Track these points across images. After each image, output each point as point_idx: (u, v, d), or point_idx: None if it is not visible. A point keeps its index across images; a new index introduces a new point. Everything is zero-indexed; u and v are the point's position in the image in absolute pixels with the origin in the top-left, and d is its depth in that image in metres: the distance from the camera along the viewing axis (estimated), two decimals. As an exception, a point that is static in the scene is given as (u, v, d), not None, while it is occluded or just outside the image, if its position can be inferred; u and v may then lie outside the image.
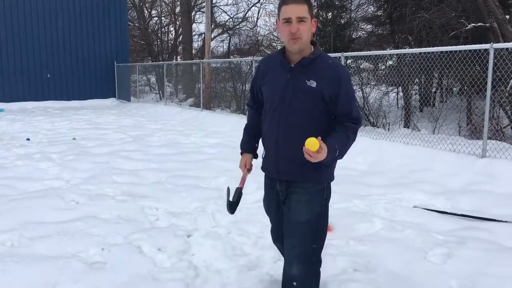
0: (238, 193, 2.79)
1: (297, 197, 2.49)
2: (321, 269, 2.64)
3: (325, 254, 3.59)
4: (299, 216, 2.48)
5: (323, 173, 2.47)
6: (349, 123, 2.40)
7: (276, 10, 3.00)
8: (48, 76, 18.53)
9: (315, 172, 2.43)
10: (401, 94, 12.52)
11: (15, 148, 8.55)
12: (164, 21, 29.67)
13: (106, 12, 19.89)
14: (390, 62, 12.55)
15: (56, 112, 16.06)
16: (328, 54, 10.29)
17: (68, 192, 5.47)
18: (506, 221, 4.43)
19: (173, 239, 3.98)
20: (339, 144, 2.31)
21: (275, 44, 22.05)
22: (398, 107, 12.60)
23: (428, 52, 8.80)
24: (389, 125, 10.89)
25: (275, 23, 2.82)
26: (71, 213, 4.69)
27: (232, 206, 2.80)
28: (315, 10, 15.28)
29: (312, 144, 2.14)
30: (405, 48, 11.09)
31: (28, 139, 9.56)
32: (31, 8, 18.29)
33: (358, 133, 2.48)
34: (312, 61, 2.38)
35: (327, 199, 2.54)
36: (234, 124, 10.89)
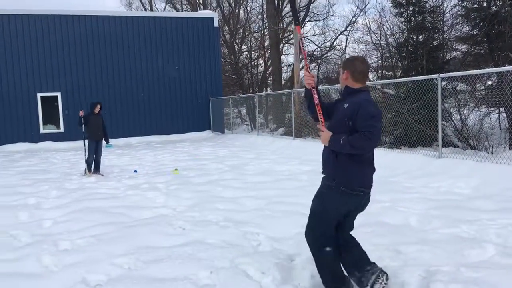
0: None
1: None
2: None
3: (436, 280, 3.50)
4: None
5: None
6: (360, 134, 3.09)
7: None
8: (142, 95, 20.06)
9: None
10: (504, 115, 11.75)
11: (125, 179, 9.29)
12: (254, 55, 30.79)
13: (201, 51, 21.18)
14: (490, 82, 11.89)
15: (158, 146, 17.16)
16: (422, 76, 9.91)
17: (175, 219, 5.84)
18: None
19: (277, 263, 4.09)
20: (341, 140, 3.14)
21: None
22: (501, 129, 11.82)
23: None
24: (492, 148, 10.26)
25: (345, 72, 3.22)
26: (179, 238, 5.00)
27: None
28: (406, 34, 15.02)
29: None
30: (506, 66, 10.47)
31: (135, 171, 10.34)
32: (135, 51, 20.03)
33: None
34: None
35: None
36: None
